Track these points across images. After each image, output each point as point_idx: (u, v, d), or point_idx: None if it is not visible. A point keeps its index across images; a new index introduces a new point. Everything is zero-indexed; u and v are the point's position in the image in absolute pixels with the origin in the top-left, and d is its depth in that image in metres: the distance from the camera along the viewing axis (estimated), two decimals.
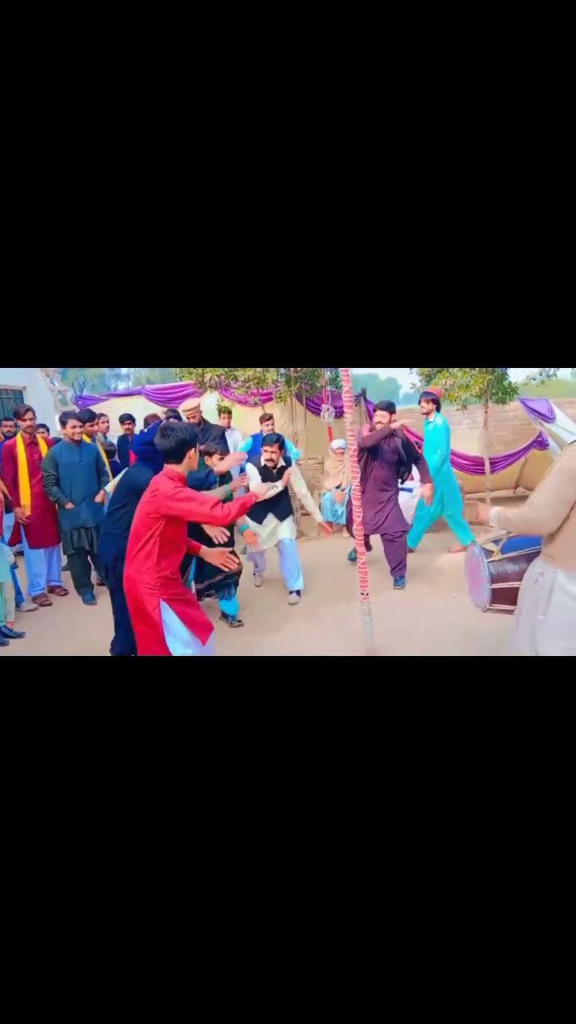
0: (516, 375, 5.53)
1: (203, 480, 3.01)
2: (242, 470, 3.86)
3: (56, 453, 3.83)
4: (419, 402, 4.93)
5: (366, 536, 4.10)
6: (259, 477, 3.71)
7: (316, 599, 3.93)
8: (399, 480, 4.11)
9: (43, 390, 7.03)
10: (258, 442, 5.08)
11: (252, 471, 3.77)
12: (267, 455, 3.73)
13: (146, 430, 3.51)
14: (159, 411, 5.68)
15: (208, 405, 5.65)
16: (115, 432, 5.42)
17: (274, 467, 3.75)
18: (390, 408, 4.10)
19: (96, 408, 6.57)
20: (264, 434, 4.99)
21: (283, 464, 3.80)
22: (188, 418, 4.78)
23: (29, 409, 3.95)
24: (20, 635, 3.45)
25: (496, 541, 2.33)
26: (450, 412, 5.85)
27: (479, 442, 5.76)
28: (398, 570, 4.05)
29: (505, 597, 2.27)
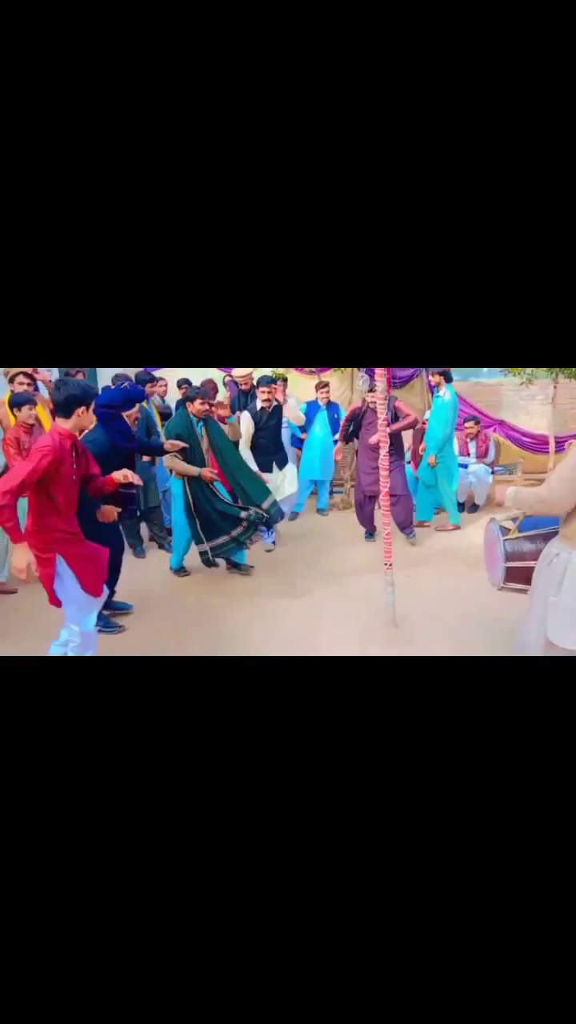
0: None
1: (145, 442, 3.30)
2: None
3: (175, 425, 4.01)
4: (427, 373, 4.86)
5: (369, 502, 4.33)
6: (252, 422, 4.03)
7: (343, 570, 3.94)
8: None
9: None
10: (313, 409, 5.10)
11: (246, 417, 4.04)
12: (263, 397, 4.02)
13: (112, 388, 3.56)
14: (217, 376, 5.77)
15: (263, 372, 5.72)
16: (173, 396, 5.58)
17: (269, 408, 4.06)
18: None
19: (157, 372, 6.78)
20: (320, 403, 5.04)
21: (276, 404, 4.12)
22: (241, 384, 4.87)
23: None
24: None
25: (514, 520, 2.26)
26: (514, 387, 5.56)
27: (547, 419, 5.43)
28: (407, 528, 4.29)
29: (520, 576, 2.22)
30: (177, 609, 3.38)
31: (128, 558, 4.04)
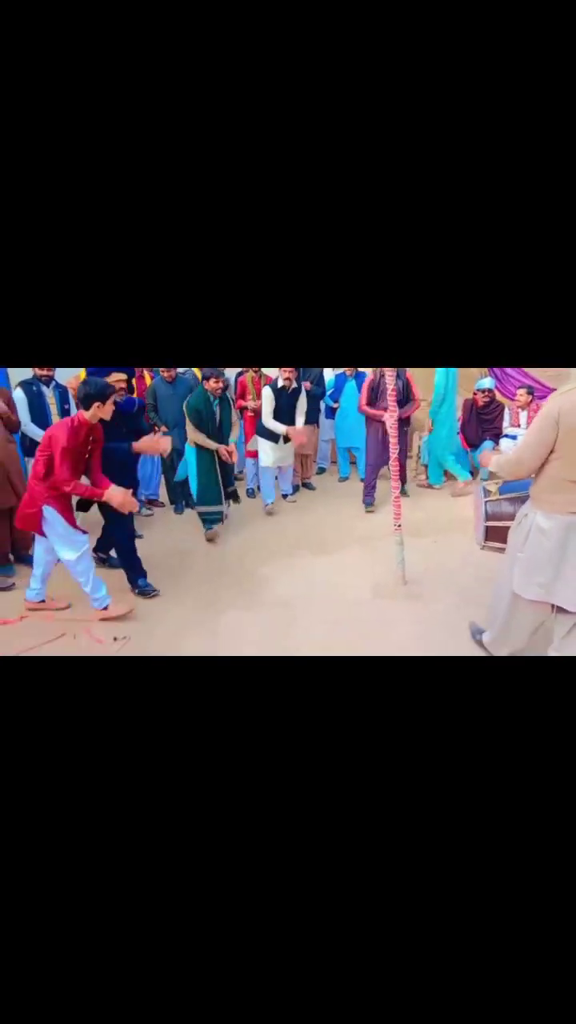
0: None
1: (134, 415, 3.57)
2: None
3: (155, 386, 4.55)
4: None
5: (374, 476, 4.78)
6: (273, 399, 4.36)
7: (371, 533, 4.24)
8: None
9: None
10: (341, 380, 5.34)
11: (267, 393, 4.38)
12: (284, 375, 4.34)
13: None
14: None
15: None
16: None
17: (289, 387, 4.38)
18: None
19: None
20: (347, 374, 5.28)
21: (296, 386, 4.42)
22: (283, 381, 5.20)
23: None
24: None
25: (496, 484, 2.45)
26: None
27: None
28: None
29: (499, 536, 2.41)
30: (215, 559, 3.85)
31: (168, 516, 4.61)
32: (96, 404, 2.69)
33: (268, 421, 4.40)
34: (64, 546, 2.84)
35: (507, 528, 2.35)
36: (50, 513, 2.77)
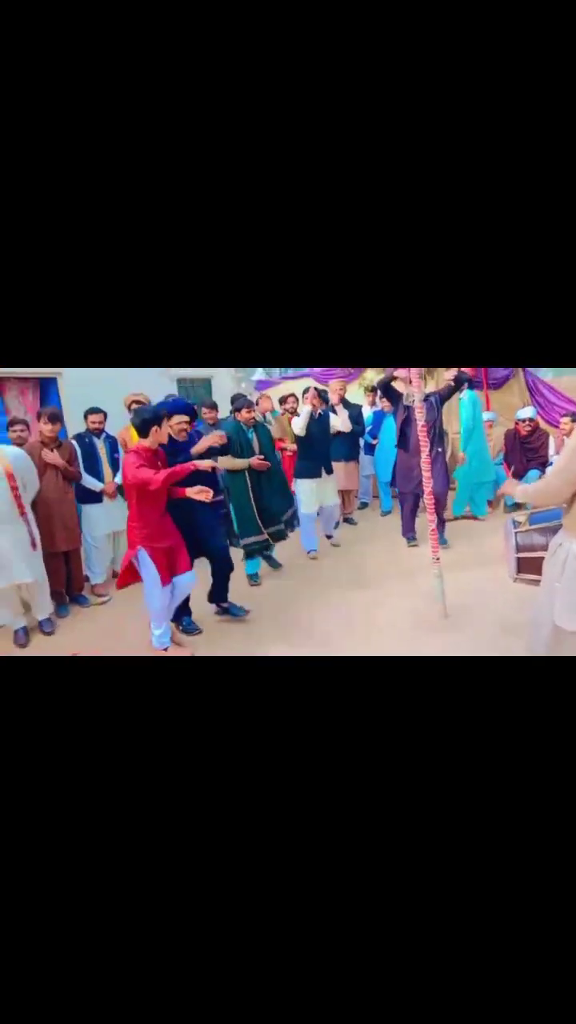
0: None
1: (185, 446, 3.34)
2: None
3: (198, 431, 4.71)
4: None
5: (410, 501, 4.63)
6: (303, 425, 4.23)
7: (405, 569, 4.20)
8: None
9: (226, 377, 8.21)
10: (379, 416, 5.42)
11: (296, 420, 4.31)
12: (311, 400, 4.25)
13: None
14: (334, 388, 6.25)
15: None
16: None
17: (317, 413, 4.28)
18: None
19: (272, 390, 7.55)
20: (384, 410, 5.34)
21: (323, 412, 4.32)
22: (331, 394, 5.29)
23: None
24: None
25: (531, 516, 2.42)
26: None
27: None
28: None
29: (532, 567, 2.37)
30: (254, 594, 3.94)
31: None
32: (154, 428, 2.78)
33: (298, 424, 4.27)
34: (151, 586, 2.94)
35: (540, 559, 2.30)
36: (143, 555, 2.88)
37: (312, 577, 4.22)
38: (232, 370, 8.31)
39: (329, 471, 4.45)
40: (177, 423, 3.11)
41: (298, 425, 4.25)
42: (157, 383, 6.09)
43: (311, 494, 4.43)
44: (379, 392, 4.81)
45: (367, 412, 5.58)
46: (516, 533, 2.41)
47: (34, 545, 3.42)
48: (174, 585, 3.04)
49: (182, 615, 3.42)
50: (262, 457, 3.79)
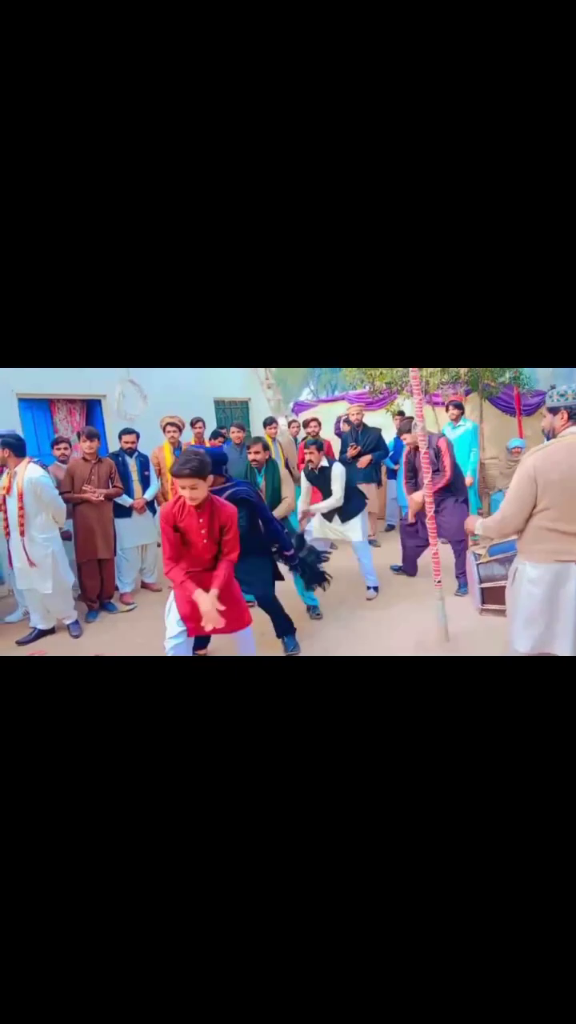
0: None
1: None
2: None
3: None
4: (447, 407, 5.25)
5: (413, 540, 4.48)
6: (307, 494, 4.02)
7: (416, 591, 4.29)
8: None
9: (263, 399, 8.54)
10: (400, 444, 5.56)
11: (305, 486, 4.03)
12: (308, 456, 3.96)
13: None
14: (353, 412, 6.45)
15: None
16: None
17: (315, 468, 3.95)
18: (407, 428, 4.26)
19: (308, 413, 7.84)
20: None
21: (324, 465, 3.94)
22: (352, 417, 5.50)
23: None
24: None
25: (490, 548, 2.52)
26: None
27: None
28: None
29: (497, 597, 2.45)
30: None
31: None
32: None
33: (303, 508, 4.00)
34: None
35: (502, 588, 2.40)
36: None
37: (321, 597, 4.37)
38: (270, 392, 8.63)
39: (346, 518, 4.06)
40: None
41: (304, 500, 4.04)
42: (195, 405, 6.44)
43: (319, 523, 4.17)
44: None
45: (389, 438, 5.72)
46: (478, 565, 2.50)
47: (31, 563, 3.58)
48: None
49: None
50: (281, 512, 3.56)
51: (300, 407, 9.10)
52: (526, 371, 6.67)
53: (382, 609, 4.01)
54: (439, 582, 3.39)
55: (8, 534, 3.59)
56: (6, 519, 3.58)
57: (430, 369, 5.86)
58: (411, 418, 4.37)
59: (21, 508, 3.49)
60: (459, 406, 5.11)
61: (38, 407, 5.43)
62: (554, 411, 2.08)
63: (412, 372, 3.36)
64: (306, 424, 5.14)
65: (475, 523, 2.31)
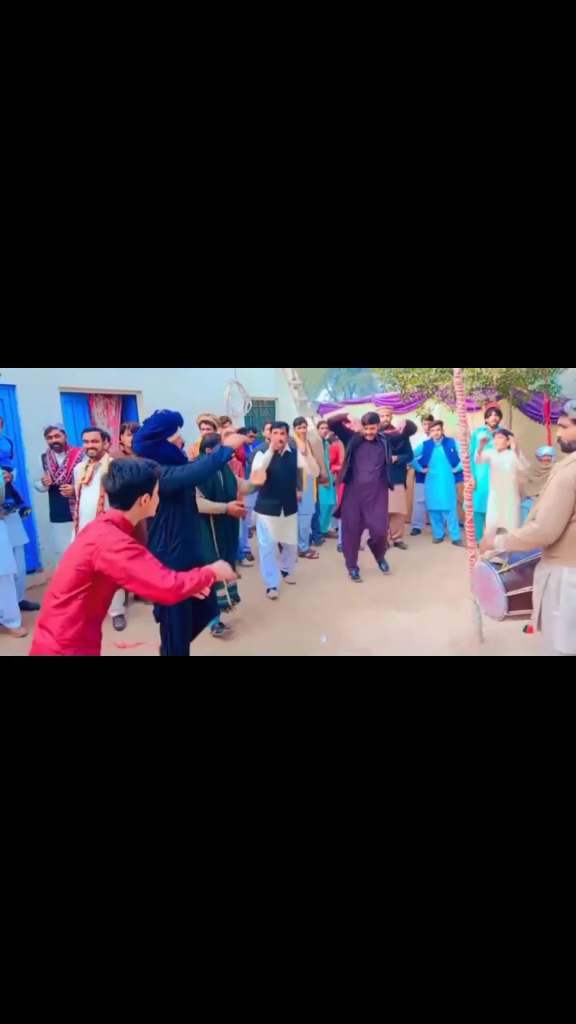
0: None
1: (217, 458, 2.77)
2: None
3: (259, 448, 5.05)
4: (487, 413, 5.34)
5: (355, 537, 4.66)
6: (265, 464, 3.93)
7: (452, 593, 4.34)
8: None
9: (290, 399, 8.61)
10: (429, 446, 5.61)
11: (259, 457, 4.01)
12: (276, 439, 3.99)
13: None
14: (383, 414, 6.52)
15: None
16: None
17: (282, 451, 4.04)
18: (373, 419, 4.50)
19: (332, 414, 7.92)
20: (434, 440, 5.51)
21: (288, 450, 4.10)
22: (382, 419, 5.52)
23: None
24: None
25: (501, 556, 2.57)
26: None
27: None
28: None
29: (522, 603, 2.50)
30: (297, 609, 4.19)
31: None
32: (142, 498, 1.78)
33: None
34: None
35: (528, 594, 2.43)
36: None
37: (353, 598, 4.43)
38: (296, 392, 8.70)
39: (290, 512, 4.19)
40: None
41: (259, 463, 3.96)
42: (223, 404, 6.52)
43: (270, 531, 4.19)
44: (361, 422, 4.67)
45: (416, 443, 5.76)
46: (500, 575, 2.53)
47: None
48: None
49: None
50: (242, 504, 3.48)
51: (325, 408, 9.16)
52: (556, 379, 6.68)
53: (416, 611, 4.06)
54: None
55: (78, 526, 3.65)
56: (78, 510, 3.63)
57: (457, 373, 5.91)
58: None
59: (102, 499, 3.54)
60: (499, 412, 5.10)
61: (78, 401, 5.55)
62: None
63: (456, 375, 3.41)
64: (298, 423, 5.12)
65: (496, 542, 2.35)
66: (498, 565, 2.57)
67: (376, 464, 4.48)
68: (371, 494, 4.49)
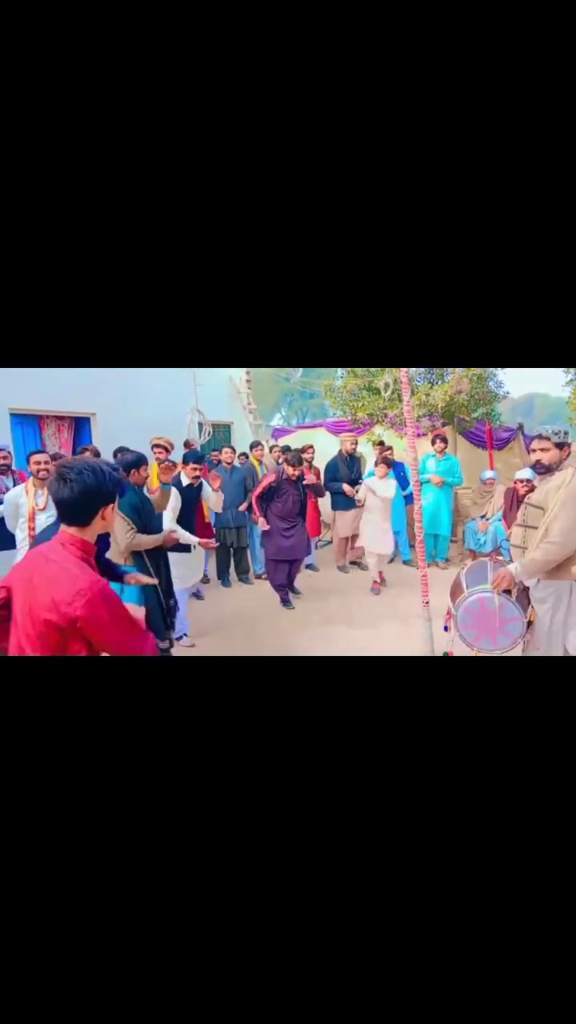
0: None
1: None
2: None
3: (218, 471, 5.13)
4: (433, 440, 5.68)
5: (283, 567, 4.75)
6: (179, 498, 3.71)
7: (408, 613, 4.48)
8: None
9: (245, 423, 8.71)
10: (399, 470, 5.80)
11: (175, 492, 3.66)
12: (191, 474, 3.91)
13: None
14: (335, 442, 6.71)
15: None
16: None
17: (196, 483, 3.96)
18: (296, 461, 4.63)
19: (287, 439, 8.07)
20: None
21: (199, 483, 3.97)
22: (346, 447, 5.71)
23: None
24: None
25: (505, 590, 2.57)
26: None
27: None
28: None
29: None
30: (256, 629, 4.22)
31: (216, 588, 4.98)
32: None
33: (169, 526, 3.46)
34: None
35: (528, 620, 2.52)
36: None
37: (308, 616, 4.51)
38: (251, 417, 8.82)
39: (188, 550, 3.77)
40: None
41: (173, 499, 3.58)
42: (181, 426, 6.54)
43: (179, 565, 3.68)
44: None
45: (368, 467, 5.95)
46: (510, 604, 2.52)
47: None
48: None
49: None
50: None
51: (279, 433, 9.32)
52: (496, 407, 7.08)
53: (369, 629, 4.17)
54: (426, 603, 3.57)
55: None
56: (32, 539, 3.39)
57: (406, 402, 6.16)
58: (299, 450, 4.97)
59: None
60: (444, 439, 5.38)
61: (28, 423, 5.45)
62: (561, 446, 2.34)
63: (406, 403, 3.59)
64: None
65: (511, 570, 2.42)
66: (507, 594, 2.53)
67: (294, 502, 4.67)
68: (290, 527, 4.66)
